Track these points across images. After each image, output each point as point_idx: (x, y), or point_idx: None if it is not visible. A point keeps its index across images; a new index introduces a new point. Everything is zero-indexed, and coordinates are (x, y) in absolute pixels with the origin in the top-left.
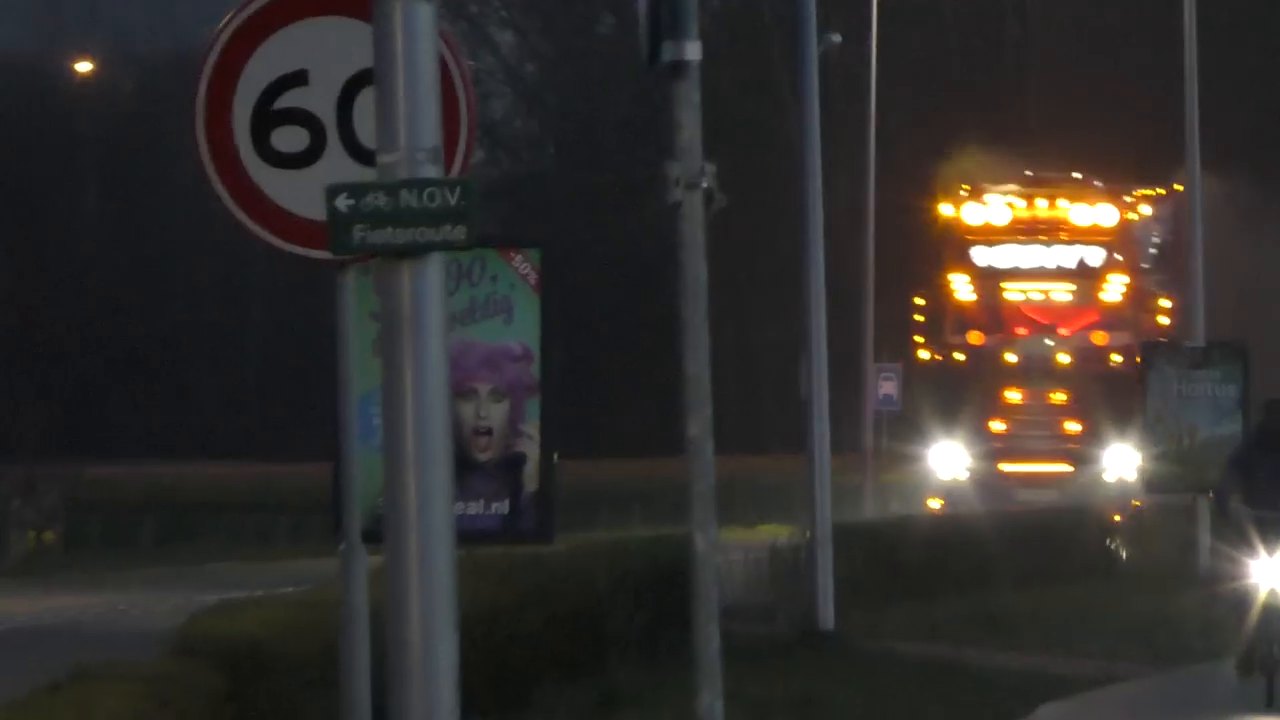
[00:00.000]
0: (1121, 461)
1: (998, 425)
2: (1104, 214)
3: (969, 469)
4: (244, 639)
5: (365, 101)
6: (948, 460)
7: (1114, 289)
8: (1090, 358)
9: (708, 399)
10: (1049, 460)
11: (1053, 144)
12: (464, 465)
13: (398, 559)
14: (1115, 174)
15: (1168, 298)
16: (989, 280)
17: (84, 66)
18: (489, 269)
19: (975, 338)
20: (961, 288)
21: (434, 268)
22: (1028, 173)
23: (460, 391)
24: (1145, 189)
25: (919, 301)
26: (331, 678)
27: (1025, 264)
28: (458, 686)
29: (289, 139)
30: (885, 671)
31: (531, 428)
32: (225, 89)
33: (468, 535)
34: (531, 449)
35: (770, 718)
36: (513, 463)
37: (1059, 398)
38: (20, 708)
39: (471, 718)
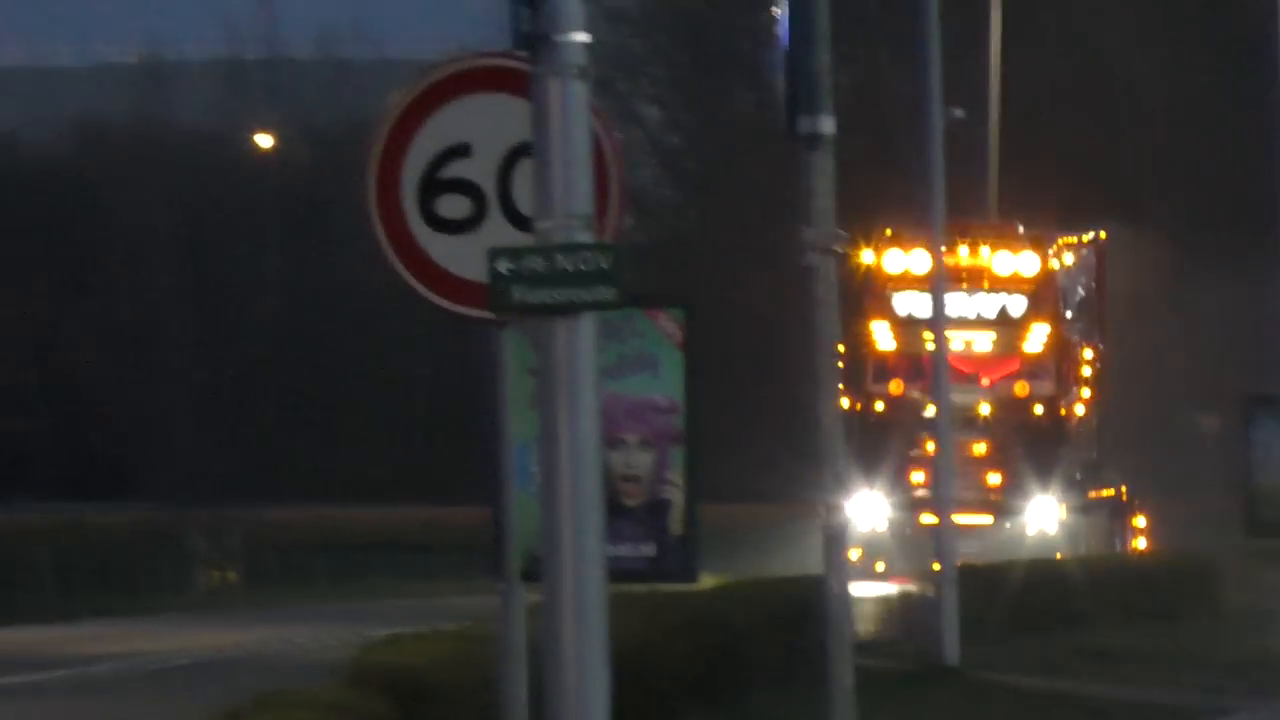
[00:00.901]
0: (1043, 513)
1: (918, 476)
2: (1026, 262)
3: (889, 520)
4: (410, 670)
5: (524, 172)
6: (867, 511)
7: (1036, 338)
8: (1012, 408)
9: (839, 447)
10: (970, 512)
11: (1161, 212)
12: (614, 510)
13: (553, 596)
14: (1041, 220)
15: (1090, 347)
16: (910, 329)
17: (265, 140)
18: (636, 327)
19: (895, 387)
20: (882, 336)
21: (586, 326)
22: (949, 220)
23: (610, 441)
24: (1068, 236)
25: (840, 349)
26: (491, 706)
27: (947, 313)
28: (609, 713)
29: (453, 206)
30: (1004, 702)
31: (676, 475)
32: (395, 160)
33: (617, 575)
34: (676, 495)
35: None
36: (659, 508)
37: (980, 449)
38: None
39: None
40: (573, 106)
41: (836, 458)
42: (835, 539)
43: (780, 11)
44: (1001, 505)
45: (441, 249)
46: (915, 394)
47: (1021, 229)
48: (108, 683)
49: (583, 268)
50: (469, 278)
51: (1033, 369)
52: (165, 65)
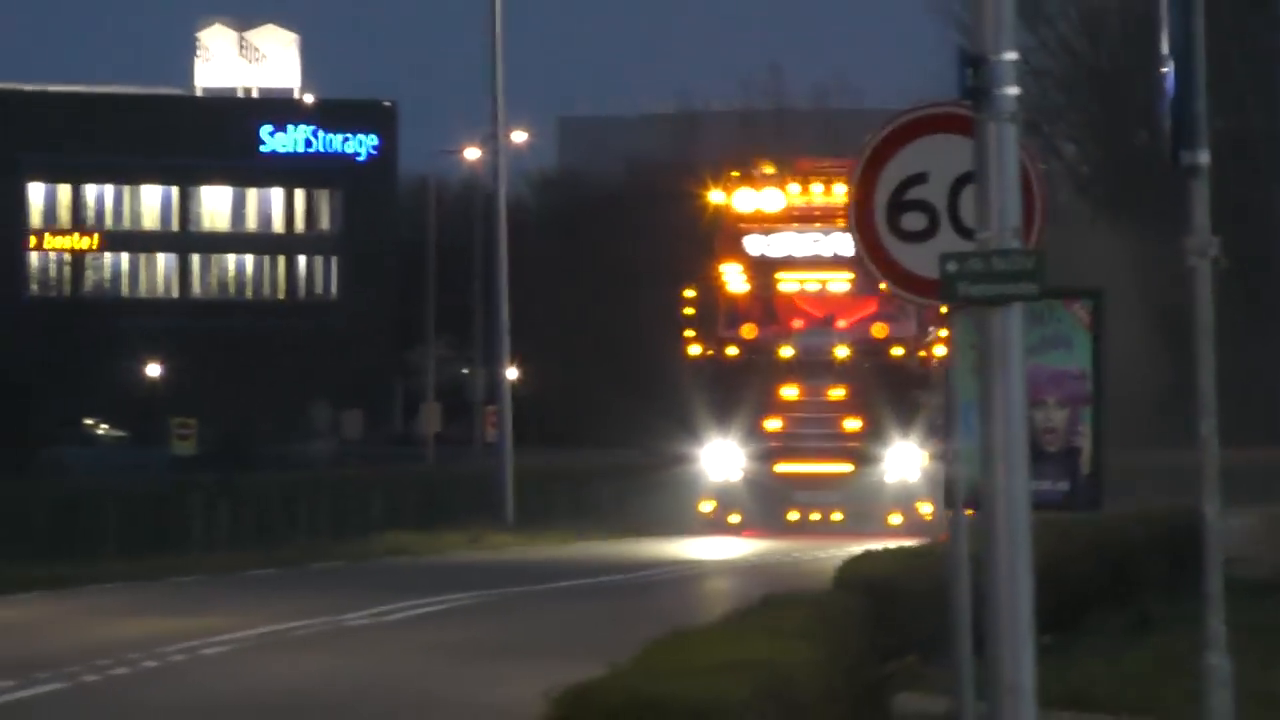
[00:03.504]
0: (905, 460)
1: (773, 424)
2: None
3: (743, 470)
4: (882, 576)
5: (967, 194)
6: (721, 461)
7: None
8: (870, 351)
9: (1214, 407)
10: (828, 460)
11: None
12: (1036, 454)
13: (990, 521)
14: None
15: None
16: (762, 270)
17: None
18: (1054, 314)
19: (748, 331)
20: (733, 278)
21: (1015, 313)
22: (803, 157)
23: (1033, 402)
24: None
25: (689, 294)
26: (942, 604)
27: (800, 252)
28: (1033, 612)
29: (913, 221)
30: None
31: (1085, 429)
32: (870, 186)
33: (1038, 505)
34: (1085, 444)
35: (1259, 638)
36: (1071, 454)
37: (837, 394)
38: (724, 622)
39: (1041, 635)
40: (1006, 144)
41: (1211, 415)
42: (1209, 477)
43: (1168, 68)
44: (861, 453)
45: (904, 254)
46: (769, 338)
47: None
48: (658, 582)
49: (1013, 268)
50: (925, 276)
51: (891, 310)
52: (694, 115)
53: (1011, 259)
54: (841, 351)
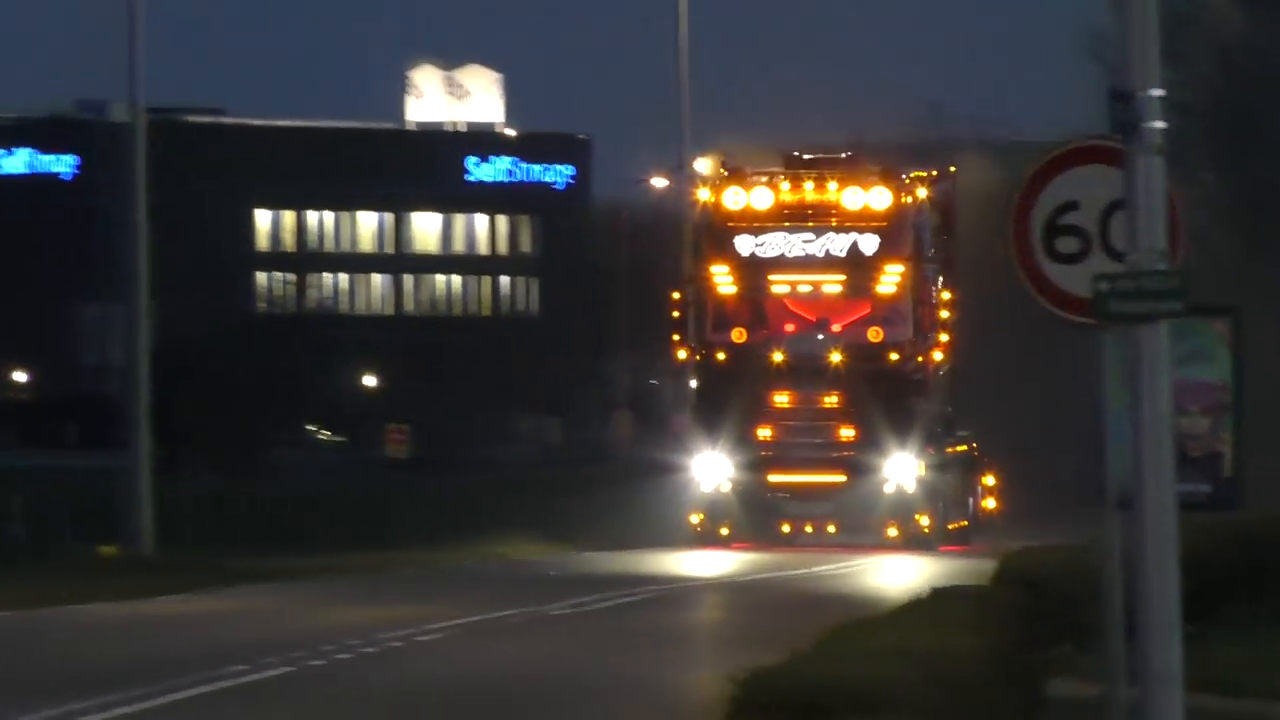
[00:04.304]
0: (902, 470)
1: (764, 432)
2: (877, 197)
3: (733, 480)
4: (1039, 571)
5: (1117, 219)
6: (710, 471)
7: (890, 279)
8: (865, 356)
9: None
10: (821, 470)
11: None
12: (1181, 459)
13: (1140, 519)
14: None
15: (948, 289)
16: (752, 271)
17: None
18: (1197, 330)
19: (738, 335)
20: (722, 280)
21: (1161, 329)
22: (795, 153)
23: (1178, 410)
24: (919, 170)
25: (677, 296)
26: (1094, 595)
27: (792, 253)
28: (1179, 602)
29: (1067, 244)
30: None
31: (1226, 435)
32: (1027, 213)
33: (1183, 505)
34: (1226, 449)
35: None
36: (1214, 458)
37: (831, 401)
38: (894, 614)
39: (1184, 624)
40: (1153, 174)
41: None
42: None
43: None
44: (856, 462)
45: (1059, 275)
46: (759, 342)
47: (871, 163)
48: (827, 574)
49: (1159, 287)
50: (1078, 294)
51: (887, 313)
52: (869, 145)
53: (1158, 279)
54: (835, 356)
